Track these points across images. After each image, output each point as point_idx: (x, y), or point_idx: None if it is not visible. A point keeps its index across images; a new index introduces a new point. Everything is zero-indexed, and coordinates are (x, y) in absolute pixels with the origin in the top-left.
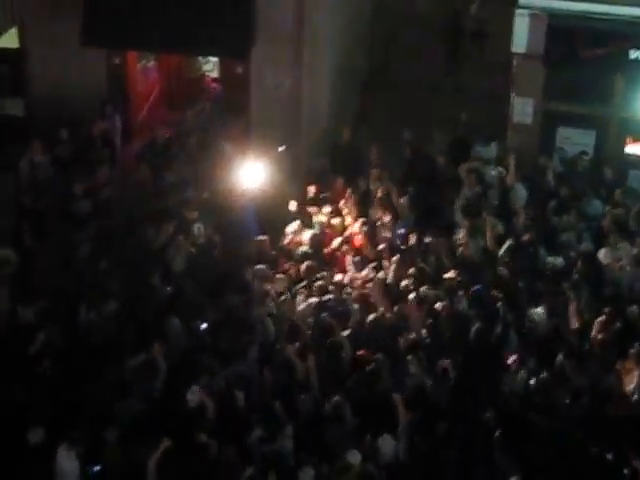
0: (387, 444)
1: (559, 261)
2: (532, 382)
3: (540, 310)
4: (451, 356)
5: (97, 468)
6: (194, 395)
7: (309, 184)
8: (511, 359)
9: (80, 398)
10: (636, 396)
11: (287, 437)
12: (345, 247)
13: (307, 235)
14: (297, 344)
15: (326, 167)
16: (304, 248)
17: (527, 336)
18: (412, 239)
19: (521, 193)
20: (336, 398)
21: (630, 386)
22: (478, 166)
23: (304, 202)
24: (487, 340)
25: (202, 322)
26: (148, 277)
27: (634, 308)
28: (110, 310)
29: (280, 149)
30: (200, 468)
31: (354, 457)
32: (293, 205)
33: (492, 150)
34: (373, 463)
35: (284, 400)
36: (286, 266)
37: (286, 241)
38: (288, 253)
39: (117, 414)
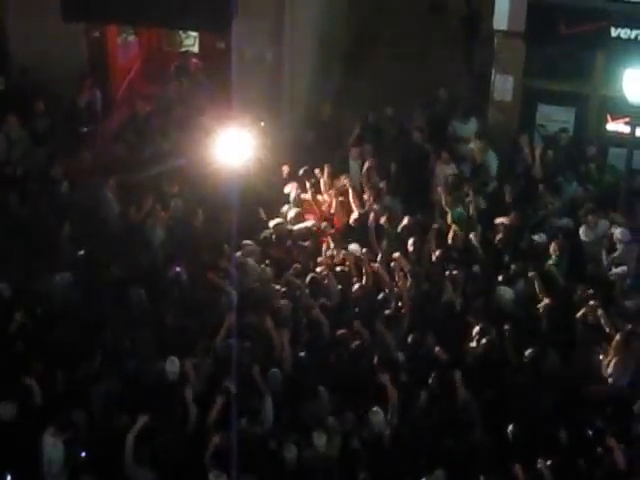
0: (377, 417)
1: (543, 238)
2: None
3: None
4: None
5: (83, 454)
6: (173, 366)
7: (293, 158)
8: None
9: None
10: (612, 380)
11: (267, 408)
12: (324, 224)
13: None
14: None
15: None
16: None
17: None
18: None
19: (493, 164)
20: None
21: (608, 370)
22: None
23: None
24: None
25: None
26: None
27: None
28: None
29: (261, 123)
30: (178, 441)
31: (319, 438)
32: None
33: (471, 126)
34: (357, 438)
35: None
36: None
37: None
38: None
39: (93, 395)
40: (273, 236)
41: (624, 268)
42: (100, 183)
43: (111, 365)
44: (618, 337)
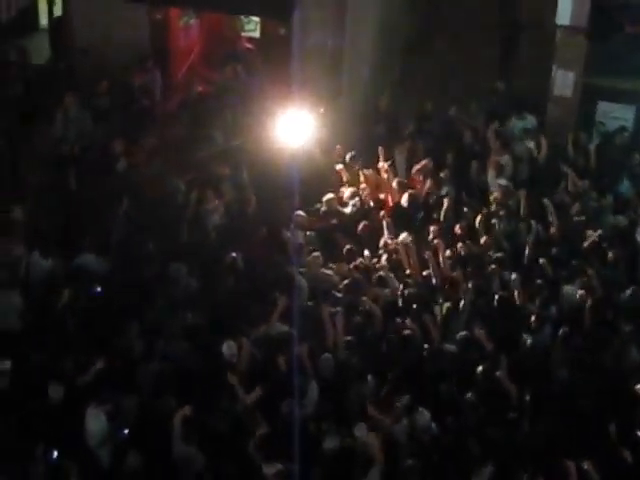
0: (424, 418)
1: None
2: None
3: (571, 287)
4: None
5: (126, 431)
6: (230, 349)
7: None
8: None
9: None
10: None
11: (312, 392)
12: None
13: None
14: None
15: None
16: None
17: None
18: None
19: None
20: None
21: None
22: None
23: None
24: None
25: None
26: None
27: None
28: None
29: (321, 110)
30: (224, 425)
31: (360, 430)
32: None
33: (528, 122)
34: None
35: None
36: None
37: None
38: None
39: (141, 375)
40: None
41: None
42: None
43: (161, 346)
44: None
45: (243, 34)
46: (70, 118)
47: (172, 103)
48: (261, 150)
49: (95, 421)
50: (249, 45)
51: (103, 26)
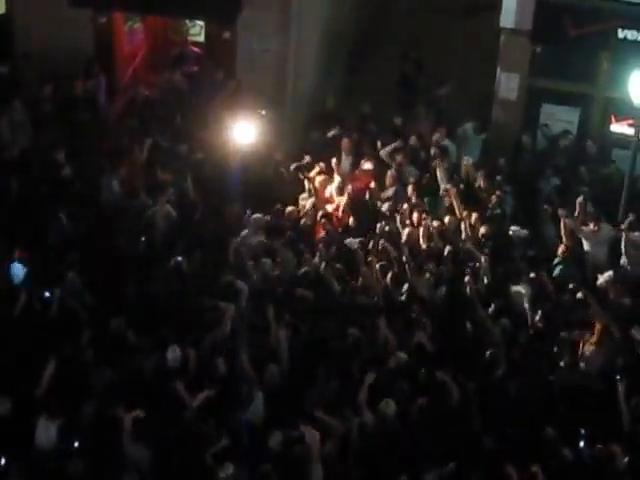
0: (390, 408)
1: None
2: None
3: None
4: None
5: (76, 444)
6: (174, 353)
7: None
8: None
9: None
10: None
11: (258, 401)
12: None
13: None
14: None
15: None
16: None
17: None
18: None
19: None
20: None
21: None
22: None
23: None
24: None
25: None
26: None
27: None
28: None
29: (262, 113)
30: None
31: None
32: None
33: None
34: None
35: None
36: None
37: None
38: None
39: (94, 384)
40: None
41: (610, 274)
42: (103, 168)
43: (108, 354)
44: (599, 325)
45: (188, 38)
46: (16, 123)
47: (117, 107)
48: (207, 154)
49: (45, 433)
50: (197, 49)
51: (46, 30)
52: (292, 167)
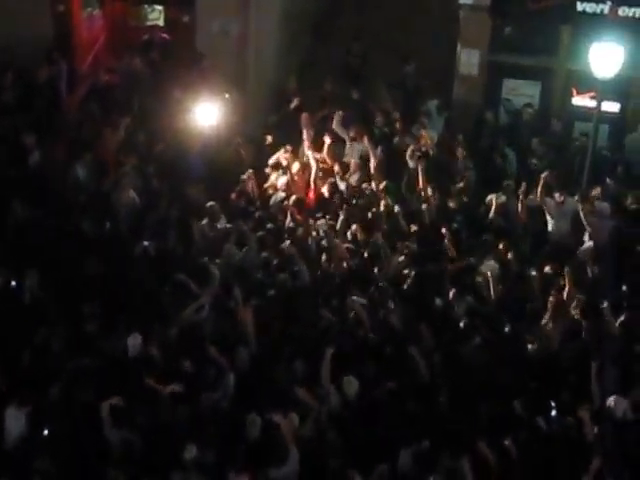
0: (352, 386)
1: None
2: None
3: (490, 262)
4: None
5: (45, 432)
6: (135, 340)
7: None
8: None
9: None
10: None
11: (228, 385)
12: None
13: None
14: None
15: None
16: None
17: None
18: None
19: None
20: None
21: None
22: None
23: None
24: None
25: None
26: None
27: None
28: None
29: (226, 96)
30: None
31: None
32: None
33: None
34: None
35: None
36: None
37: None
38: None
39: (64, 370)
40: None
41: (590, 244)
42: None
43: (78, 340)
44: (553, 299)
45: (147, 23)
46: None
47: (78, 94)
48: (169, 138)
49: (14, 422)
50: (164, 34)
51: (5, 17)
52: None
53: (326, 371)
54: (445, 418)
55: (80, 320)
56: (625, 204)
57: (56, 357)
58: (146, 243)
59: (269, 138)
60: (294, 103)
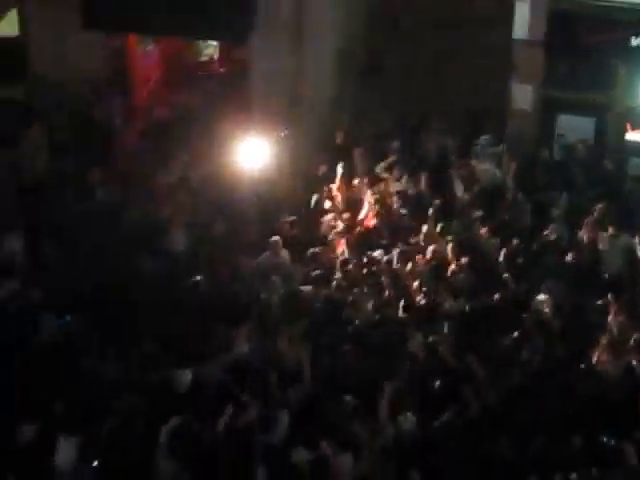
0: (408, 423)
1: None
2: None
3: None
4: None
5: (95, 464)
6: (185, 377)
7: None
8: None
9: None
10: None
11: (283, 423)
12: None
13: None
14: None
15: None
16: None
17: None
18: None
19: None
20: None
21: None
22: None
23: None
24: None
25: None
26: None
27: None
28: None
29: (282, 134)
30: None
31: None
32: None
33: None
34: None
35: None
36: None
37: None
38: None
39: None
40: None
41: None
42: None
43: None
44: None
45: (202, 58)
46: (35, 148)
47: (134, 130)
48: (224, 175)
49: (65, 453)
50: (221, 69)
51: (60, 52)
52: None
53: (384, 407)
54: (502, 455)
55: (135, 356)
56: None
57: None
58: (198, 277)
59: (323, 169)
60: (343, 139)
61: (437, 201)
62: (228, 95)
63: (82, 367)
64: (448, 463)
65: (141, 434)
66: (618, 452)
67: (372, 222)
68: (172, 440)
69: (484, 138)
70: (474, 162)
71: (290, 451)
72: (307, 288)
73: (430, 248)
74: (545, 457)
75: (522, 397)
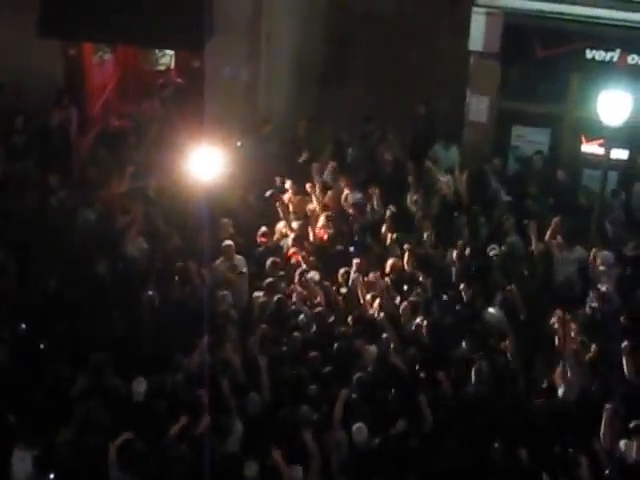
0: (361, 434)
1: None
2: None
3: (493, 310)
4: None
5: (52, 476)
6: (140, 386)
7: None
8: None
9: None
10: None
11: (236, 433)
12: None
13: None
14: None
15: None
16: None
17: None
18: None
19: None
20: None
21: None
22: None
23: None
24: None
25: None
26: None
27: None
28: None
29: (238, 144)
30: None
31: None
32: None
33: (452, 154)
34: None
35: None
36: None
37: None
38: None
39: (74, 413)
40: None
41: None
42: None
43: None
44: (572, 347)
45: (158, 67)
46: None
47: (88, 138)
48: (175, 185)
49: (21, 465)
50: (179, 79)
51: (16, 60)
52: (267, 193)
53: (338, 416)
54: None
55: (91, 366)
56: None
57: (66, 400)
58: (150, 292)
59: (288, 182)
60: (303, 157)
61: (392, 208)
62: (184, 104)
63: (37, 376)
64: (403, 474)
65: (96, 445)
66: (572, 463)
67: (325, 232)
68: (122, 455)
69: (437, 146)
70: (431, 170)
71: (243, 461)
72: (259, 294)
73: (389, 262)
74: (498, 467)
75: (475, 408)
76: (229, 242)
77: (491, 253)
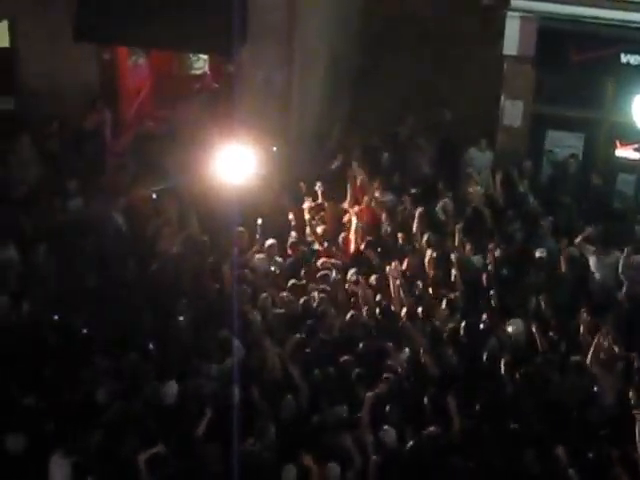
0: (390, 436)
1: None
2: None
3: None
4: None
5: None
6: (171, 389)
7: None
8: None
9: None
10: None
11: (270, 437)
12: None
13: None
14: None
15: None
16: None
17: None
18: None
19: None
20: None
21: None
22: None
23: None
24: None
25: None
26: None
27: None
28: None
29: (273, 148)
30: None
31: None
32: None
33: (487, 157)
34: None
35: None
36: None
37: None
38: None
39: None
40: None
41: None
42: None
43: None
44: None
45: (192, 72)
46: (24, 160)
47: (122, 142)
48: (209, 187)
49: (59, 472)
50: (215, 83)
51: (51, 64)
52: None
53: (366, 418)
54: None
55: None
56: None
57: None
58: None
59: (303, 186)
60: (337, 162)
61: (421, 210)
62: (218, 108)
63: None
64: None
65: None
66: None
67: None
68: (151, 467)
69: (472, 149)
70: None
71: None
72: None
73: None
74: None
75: (504, 411)
76: (272, 241)
77: (538, 254)
